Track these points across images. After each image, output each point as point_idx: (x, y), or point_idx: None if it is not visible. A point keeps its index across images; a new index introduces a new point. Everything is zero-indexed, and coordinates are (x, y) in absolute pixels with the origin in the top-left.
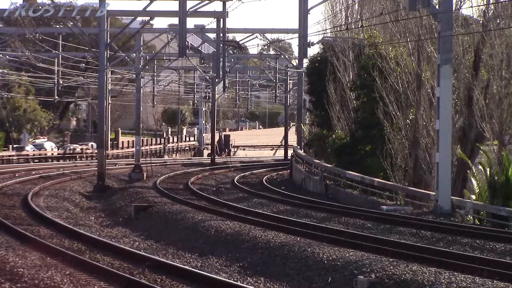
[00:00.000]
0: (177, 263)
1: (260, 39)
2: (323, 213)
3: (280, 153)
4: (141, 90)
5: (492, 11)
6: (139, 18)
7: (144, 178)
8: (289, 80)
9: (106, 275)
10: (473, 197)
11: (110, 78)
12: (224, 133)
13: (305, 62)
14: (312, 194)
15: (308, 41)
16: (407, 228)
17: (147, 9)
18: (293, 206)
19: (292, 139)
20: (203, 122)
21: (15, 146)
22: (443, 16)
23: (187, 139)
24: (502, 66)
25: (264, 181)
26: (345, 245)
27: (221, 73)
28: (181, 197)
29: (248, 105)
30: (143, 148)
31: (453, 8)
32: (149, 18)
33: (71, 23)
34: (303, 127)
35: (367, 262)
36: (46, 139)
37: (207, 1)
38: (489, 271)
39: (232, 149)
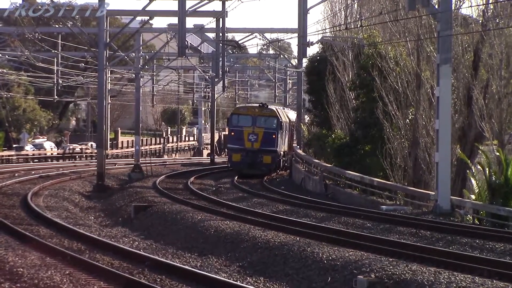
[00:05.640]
0: (177, 263)
1: (260, 38)
2: (322, 213)
3: None
4: (141, 90)
5: (491, 10)
6: (139, 18)
7: (144, 178)
8: (289, 79)
9: (106, 274)
10: (473, 197)
11: (109, 78)
12: (223, 132)
13: (305, 61)
14: (312, 194)
15: (308, 40)
16: (407, 228)
17: (146, 9)
18: (292, 206)
19: None
20: (203, 121)
21: (14, 145)
22: (442, 15)
23: (187, 139)
24: (501, 65)
25: (263, 181)
26: (345, 245)
27: (220, 72)
28: (181, 197)
29: None
30: (142, 148)
31: (453, 8)
32: (148, 17)
33: (71, 22)
34: (302, 126)
35: (366, 262)
36: (45, 139)
37: (206, 1)
38: (489, 271)
39: None
